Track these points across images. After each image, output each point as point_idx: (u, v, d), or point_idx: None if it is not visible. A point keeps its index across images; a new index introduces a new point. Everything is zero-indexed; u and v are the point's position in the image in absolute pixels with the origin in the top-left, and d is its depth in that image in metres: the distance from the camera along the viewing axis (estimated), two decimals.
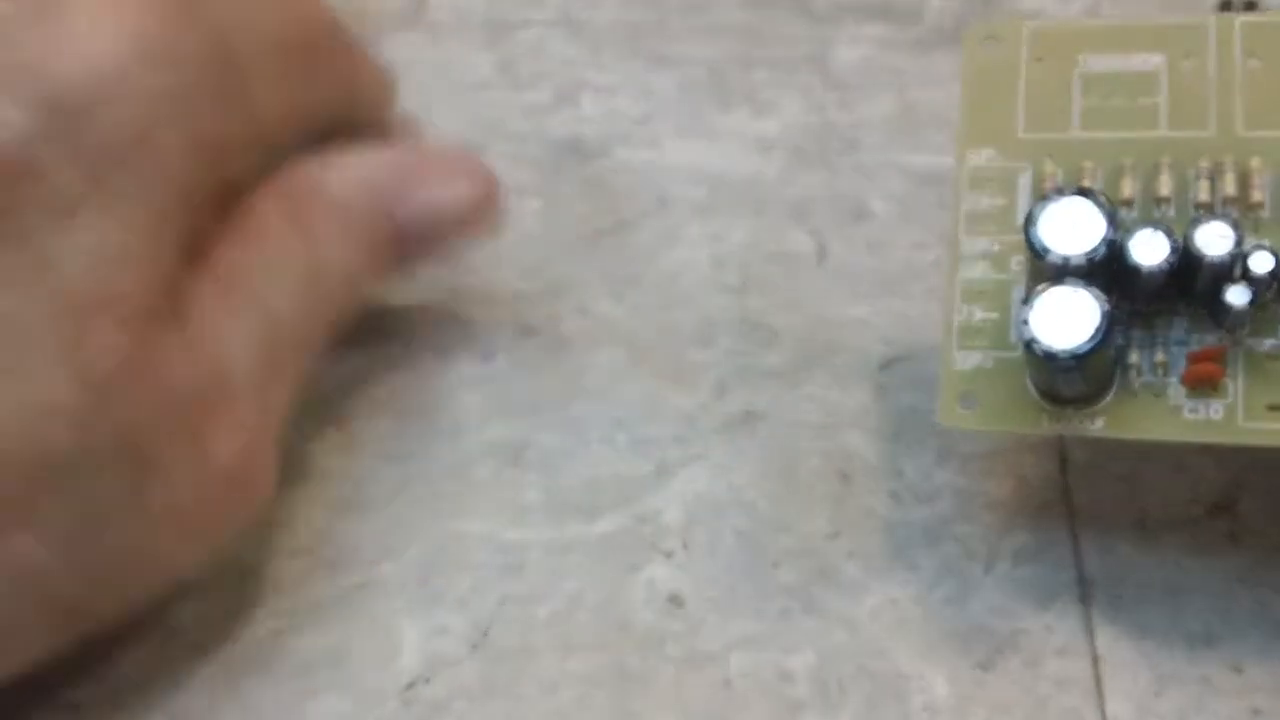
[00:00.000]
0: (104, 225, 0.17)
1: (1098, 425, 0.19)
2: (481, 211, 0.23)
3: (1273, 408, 0.18)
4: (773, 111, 0.31)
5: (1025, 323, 0.17)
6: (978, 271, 0.20)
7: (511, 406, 0.24)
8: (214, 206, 0.19)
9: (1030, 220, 0.18)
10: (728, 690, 0.21)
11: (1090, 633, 0.21)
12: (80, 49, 0.16)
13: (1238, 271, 0.18)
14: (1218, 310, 0.18)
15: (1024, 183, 0.20)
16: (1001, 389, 0.19)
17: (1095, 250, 0.17)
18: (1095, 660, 0.21)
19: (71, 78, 0.16)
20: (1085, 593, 0.22)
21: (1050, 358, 0.17)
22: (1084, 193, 0.18)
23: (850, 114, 0.30)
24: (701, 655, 0.21)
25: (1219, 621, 0.21)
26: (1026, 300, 0.18)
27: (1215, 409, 0.18)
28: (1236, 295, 0.18)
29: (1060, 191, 0.18)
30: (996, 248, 0.20)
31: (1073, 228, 0.18)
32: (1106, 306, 0.17)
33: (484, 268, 0.26)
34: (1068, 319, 0.17)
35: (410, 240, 0.22)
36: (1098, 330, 0.17)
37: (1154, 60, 0.20)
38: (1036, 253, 0.18)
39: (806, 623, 0.21)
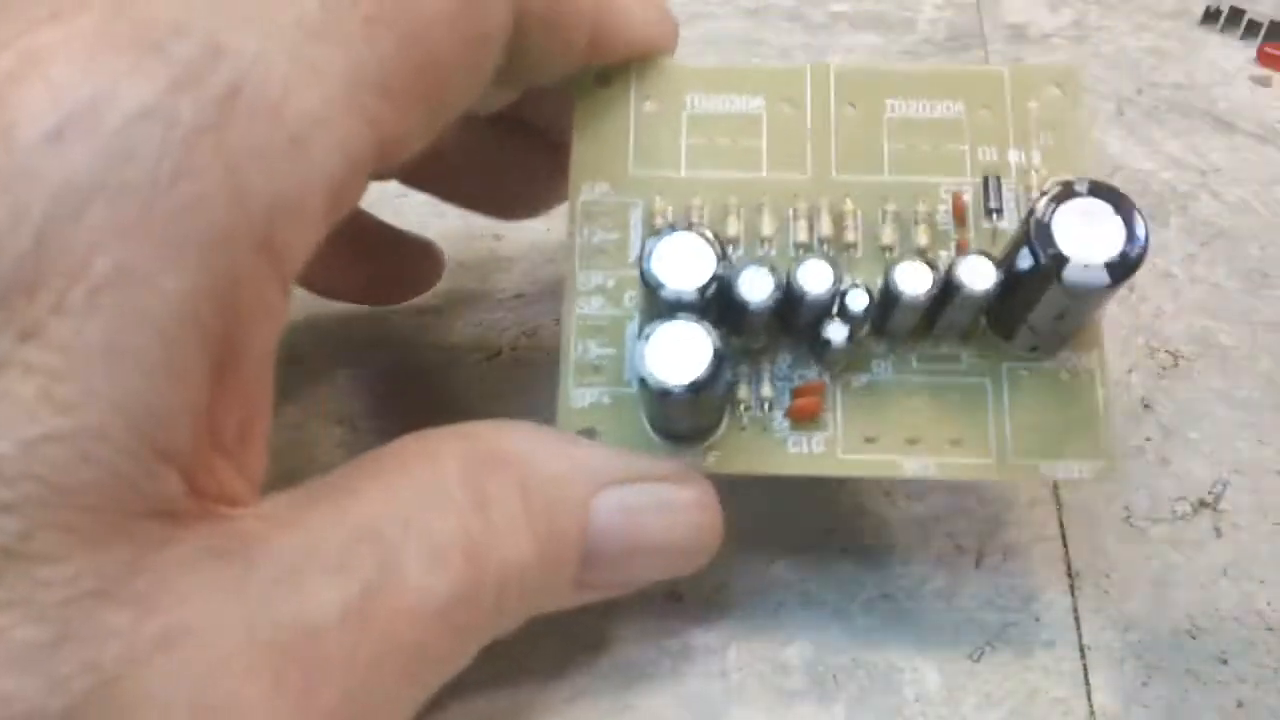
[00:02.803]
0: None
1: (710, 460, 0.18)
2: (698, 549, 0.19)
3: (869, 440, 0.18)
4: None
5: (640, 359, 0.17)
6: (593, 307, 0.19)
7: (514, 405, 0.24)
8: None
9: (643, 256, 0.17)
10: (725, 681, 0.20)
11: (1078, 625, 0.21)
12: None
13: (835, 309, 0.18)
14: (818, 346, 0.18)
15: (636, 218, 0.20)
16: (620, 425, 0.19)
17: (707, 286, 0.17)
18: (1083, 652, 0.20)
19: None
20: (1073, 586, 0.21)
21: (664, 394, 0.17)
22: (694, 229, 0.17)
23: None
24: (699, 648, 0.20)
25: (1204, 614, 0.21)
26: (640, 336, 0.17)
27: (817, 442, 0.18)
28: (835, 331, 0.18)
29: (673, 227, 0.18)
30: (611, 283, 0.19)
31: (684, 264, 0.17)
32: (718, 342, 0.17)
33: (487, 269, 0.26)
34: (681, 354, 0.17)
35: (600, 559, 0.18)
36: (710, 365, 0.17)
37: (755, 104, 0.20)
38: (650, 288, 0.17)
39: (801, 616, 0.21)
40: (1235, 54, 0.33)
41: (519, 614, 0.17)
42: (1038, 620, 0.21)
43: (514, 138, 0.23)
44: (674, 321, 0.17)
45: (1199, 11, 0.34)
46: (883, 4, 0.34)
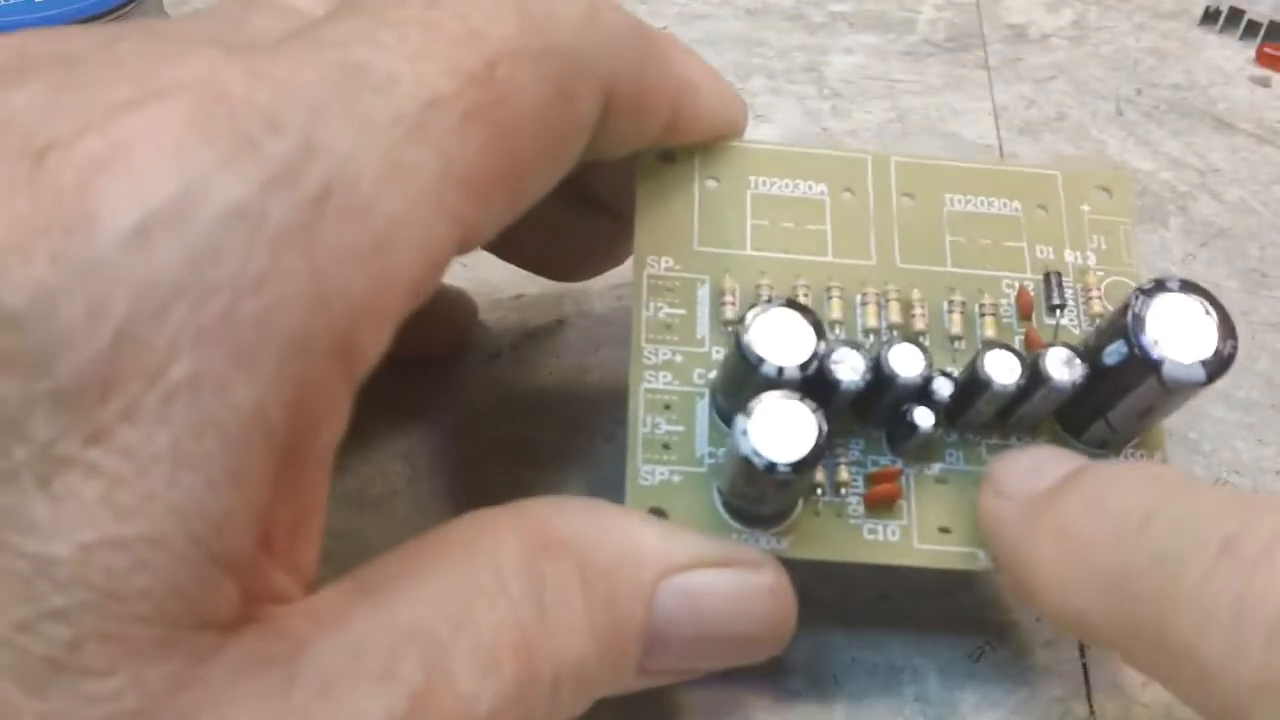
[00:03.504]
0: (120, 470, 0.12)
1: (784, 545, 0.18)
2: (769, 638, 0.18)
3: (943, 530, 0.18)
4: (770, 118, 0.29)
5: (744, 435, 0.16)
6: (661, 381, 0.19)
7: (516, 406, 0.23)
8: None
9: (742, 330, 0.17)
10: (726, 682, 0.20)
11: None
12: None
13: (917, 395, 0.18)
14: (899, 432, 0.18)
15: (703, 294, 0.19)
16: (690, 504, 0.18)
17: (808, 364, 0.17)
18: (1083, 651, 0.20)
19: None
20: None
21: (769, 471, 0.16)
22: (793, 305, 0.17)
23: (845, 121, 0.30)
24: None
25: None
26: (744, 411, 0.16)
27: (892, 531, 0.18)
28: (922, 417, 0.18)
29: (769, 301, 0.17)
30: (679, 358, 0.19)
31: (782, 340, 0.17)
32: (823, 421, 0.16)
33: (488, 269, 0.25)
34: (784, 432, 0.16)
35: (666, 646, 0.17)
36: (816, 444, 0.16)
37: (818, 189, 0.20)
38: (749, 364, 0.17)
39: (801, 615, 0.21)
40: (1234, 54, 0.33)
41: (576, 705, 0.16)
42: (1037, 620, 0.21)
43: (572, 204, 0.22)
44: (779, 398, 0.16)
45: (1198, 12, 0.34)
46: (883, 4, 0.34)
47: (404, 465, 0.23)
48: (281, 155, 0.13)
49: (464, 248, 0.15)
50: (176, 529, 0.12)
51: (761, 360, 0.17)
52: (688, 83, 0.19)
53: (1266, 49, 0.33)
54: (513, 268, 0.26)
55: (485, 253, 0.26)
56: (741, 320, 0.17)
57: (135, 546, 0.12)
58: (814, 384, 0.17)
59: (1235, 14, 0.33)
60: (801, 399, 0.16)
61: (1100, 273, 0.20)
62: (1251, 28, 0.33)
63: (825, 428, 0.16)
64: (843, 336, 0.19)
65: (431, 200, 0.14)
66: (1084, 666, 0.20)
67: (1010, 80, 0.32)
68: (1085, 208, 0.20)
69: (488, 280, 0.26)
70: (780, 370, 0.17)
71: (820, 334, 0.17)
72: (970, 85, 0.31)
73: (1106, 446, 0.19)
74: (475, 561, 0.15)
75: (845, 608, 0.21)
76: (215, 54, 0.13)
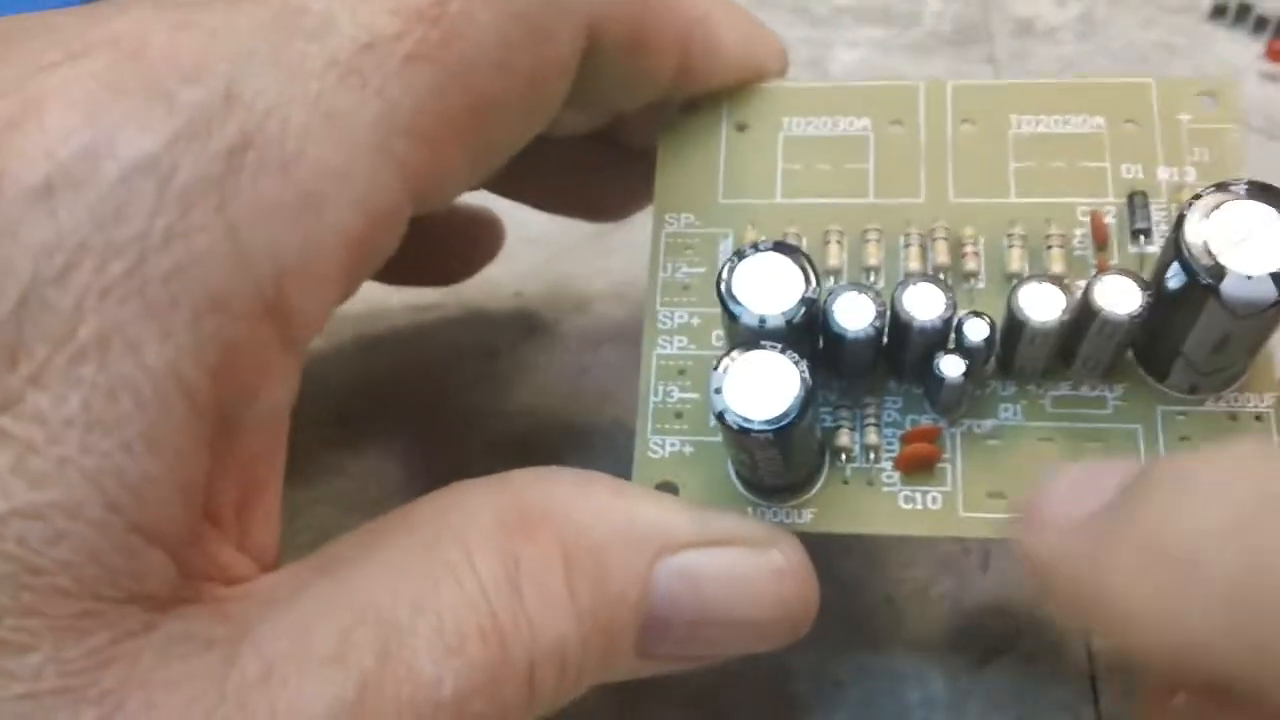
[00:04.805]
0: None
1: (806, 518, 0.16)
2: (780, 623, 0.16)
3: (994, 495, 0.16)
4: None
5: (718, 391, 0.14)
6: (675, 346, 0.17)
7: (514, 405, 0.23)
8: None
9: (723, 278, 0.15)
10: (729, 687, 0.20)
11: (1086, 629, 0.21)
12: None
13: (951, 342, 0.15)
14: (932, 387, 0.16)
15: (725, 250, 0.17)
16: (703, 477, 0.16)
17: (793, 311, 0.15)
18: (1091, 657, 0.20)
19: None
20: None
21: (744, 433, 0.14)
22: (782, 248, 0.15)
23: None
24: None
25: None
26: (717, 366, 0.15)
27: (933, 498, 0.16)
28: (950, 366, 0.15)
29: (756, 247, 0.15)
30: (696, 320, 0.17)
31: (770, 287, 0.15)
32: (806, 373, 0.14)
33: (487, 267, 0.25)
34: (765, 388, 0.14)
35: (666, 630, 0.15)
36: (798, 400, 0.14)
37: (860, 125, 0.18)
38: (730, 314, 0.15)
39: None
40: (1244, 49, 0.33)
41: (565, 691, 0.15)
42: (1045, 625, 0.21)
43: (604, 151, 0.21)
44: (756, 350, 0.15)
45: (1207, 6, 0.34)
46: None
47: (400, 465, 0.23)
48: (196, 105, 0.12)
49: (424, 200, 0.14)
50: (92, 495, 0.12)
51: (742, 309, 0.15)
52: (700, 22, 0.17)
53: (1277, 44, 0.33)
54: (510, 267, 0.26)
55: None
56: (723, 269, 0.15)
57: (51, 515, 0.12)
58: (823, 337, 0.15)
59: (1244, 9, 0.33)
60: (782, 350, 0.14)
61: (1199, 190, 0.17)
62: (1261, 23, 0.33)
63: (810, 381, 0.14)
64: (880, 284, 0.17)
65: (371, 150, 0.13)
66: (1091, 674, 0.20)
67: (1017, 75, 0.32)
68: (1184, 116, 0.18)
69: (487, 278, 0.25)
70: (762, 320, 0.15)
71: (811, 277, 0.15)
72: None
73: (1198, 391, 0.16)
74: (442, 538, 0.14)
75: (849, 612, 0.21)
76: (145, 9, 0.13)
